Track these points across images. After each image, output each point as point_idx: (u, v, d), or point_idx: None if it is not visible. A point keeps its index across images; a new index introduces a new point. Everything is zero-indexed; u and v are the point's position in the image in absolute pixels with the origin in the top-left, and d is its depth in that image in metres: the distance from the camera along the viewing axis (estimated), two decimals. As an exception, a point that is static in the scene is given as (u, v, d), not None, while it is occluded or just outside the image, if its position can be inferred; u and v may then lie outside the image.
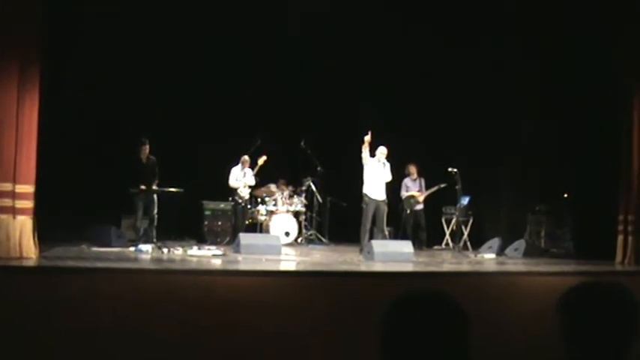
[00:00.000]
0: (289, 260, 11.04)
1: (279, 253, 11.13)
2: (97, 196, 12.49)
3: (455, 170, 13.11)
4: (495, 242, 12.56)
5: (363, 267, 10.22)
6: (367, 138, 11.74)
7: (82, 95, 13.18)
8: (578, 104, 12.46)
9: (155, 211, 11.83)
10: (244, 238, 11.36)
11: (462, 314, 2.08)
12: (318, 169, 14.43)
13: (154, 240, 11.54)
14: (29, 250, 8.86)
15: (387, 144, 12.14)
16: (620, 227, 10.91)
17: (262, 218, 14.03)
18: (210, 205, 13.85)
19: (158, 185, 12.00)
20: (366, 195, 11.98)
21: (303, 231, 14.32)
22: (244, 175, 13.64)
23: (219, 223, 13.76)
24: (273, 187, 14.22)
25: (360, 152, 11.96)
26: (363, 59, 14.34)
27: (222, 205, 13.87)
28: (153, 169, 11.93)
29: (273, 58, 14.36)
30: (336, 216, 14.64)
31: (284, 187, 14.36)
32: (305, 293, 7.92)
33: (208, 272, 8.90)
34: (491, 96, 13.91)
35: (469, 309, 2.12)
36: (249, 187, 13.73)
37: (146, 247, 10.85)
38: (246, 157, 13.59)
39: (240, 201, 13.58)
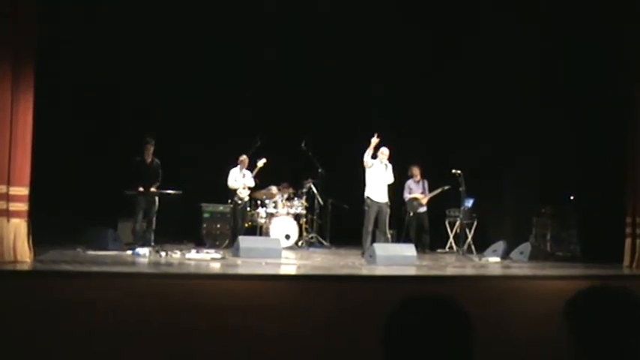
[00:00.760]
0: (289, 264, 10.93)
1: (280, 257, 11.05)
2: (94, 199, 12.38)
3: (459, 172, 13.00)
4: (500, 245, 12.44)
5: (365, 271, 10.13)
6: (374, 140, 11.62)
7: (79, 96, 13.08)
8: (581, 104, 12.36)
9: (155, 213, 11.67)
10: (244, 241, 11.26)
11: (465, 318, 2.07)
12: (319, 170, 14.31)
13: (152, 243, 11.40)
14: (23, 254, 8.80)
15: (389, 145, 11.99)
16: (628, 230, 10.78)
17: (262, 221, 13.90)
18: (208, 208, 13.73)
19: (158, 187, 11.83)
20: (368, 197, 11.87)
21: (304, 234, 14.19)
22: (244, 176, 13.52)
23: (218, 225, 13.65)
24: (274, 189, 14.07)
25: (362, 154, 11.82)
26: (364, 59, 14.29)
27: (221, 208, 13.75)
28: (156, 170, 11.82)
29: (273, 58, 14.26)
30: (338, 218, 14.51)
31: (286, 190, 14.21)
32: (306, 298, 7.80)
33: (207, 276, 8.82)
34: (493, 96, 13.81)
35: (473, 313, 2.10)
36: (249, 188, 13.59)
37: (143, 251, 10.74)
38: (244, 157, 13.47)
39: (239, 202, 13.45)
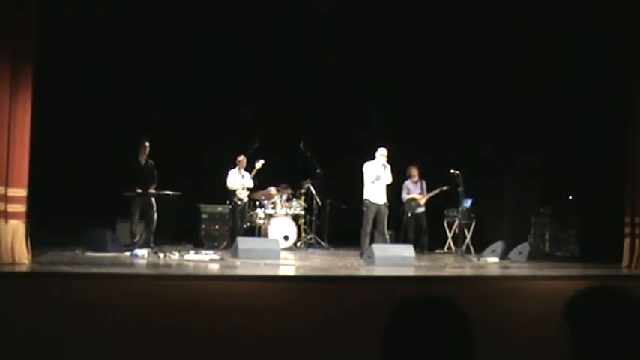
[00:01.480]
0: (288, 265, 10.92)
1: (278, 258, 11.03)
2: (92, 200, 12.35)
3: (457, 172, 12.99)
4: (499, 245, 12.42)
5: (364, 271, 10.12)
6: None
7: (77, 97, 13.06)
8: (580, 104, 12.37)
9: (155, 215, 11.63)
10: (242, 242, 11.24)
11: (464, 319, 2.07)
12: (318, 171, 14.29)
13: (151, 245, 11.37)
14: (22, 255, 8.77)
15: (387, 145, 11.98)
16: (627, 230, 10.77)
17: (261, 222, 13.88)
18: (207, 209, 13.71)
19: (155, 188, 11.80)
20: (366, 199, 11.83)
21: (303, 235, 14.17)
22: (242, 177, 13.51)
23: (217, 226, 13.62)
24: (273, 190, 14.06)
25: (362, 157, 11.86)
26: (363, 60, 14.27)
27: (219, 209, 13.73)
28: (151, 172, 11.76)
29: (273, 58, 14.24)
30: (336, 219, 14.49)
31: (285, 191, 14.18)
32: (304, 298, 7.79)
33: (205, 277, 8.81)
34: (492, 96, 13.81)
35: (472, 313, 2.10)
36: (248, 189, 13.58)
37: (142, 252, 10.72)
38: (242, 157, 13.47)
39: (238, 203, 13.44)
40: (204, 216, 13.68)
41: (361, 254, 11.47)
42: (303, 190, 14.36)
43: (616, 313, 2.21)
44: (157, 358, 6.70)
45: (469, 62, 13.88)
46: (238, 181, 13.51)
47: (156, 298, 7.28)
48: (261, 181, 13.89)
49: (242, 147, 13.60)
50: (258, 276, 9.02)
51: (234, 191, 13.49)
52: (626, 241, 10.78)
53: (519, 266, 11.28)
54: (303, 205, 14.28)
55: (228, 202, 13.63)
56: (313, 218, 14.54)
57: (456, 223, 14.00)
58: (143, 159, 11.77)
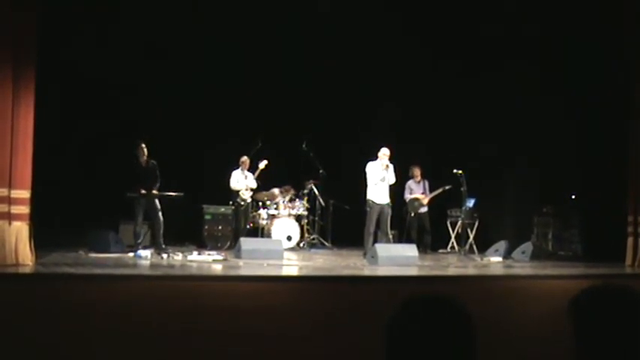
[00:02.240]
0: (291, 265, 10.90)
1: (281, 258, 11.00)
2: (95, 201, 12.35)
3: (460, 172, 12.97)
4: (502, 245, 12.40)
5: (367, 271, 10.10)
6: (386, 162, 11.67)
7: (79, 98, 13.05)
8: (581, 104, 12.36)
9: (160, 215, 11.60)
10: (245, 242, 11.23)
11: (468, 319, 2.07)
12: (321, 171, 14.29)
13: (163, 246, 11.35)
14: (25, 257, 8.76)
15: (389, 145, 11.98)
16: (630, 229, 10.75)
17: (264, 222, 13.88)
18: (210, 209, 13.71)
19: (158, 189, 11.79)
20: (369, 199, 11.83)
21: (306, 235, 14.17)
22: (245, 178, 13.52)
23: (220, 227, 13.63)
24: (276, 190, 14.06)
25: (365, 157, 11.84)
26: (364, 60, 14.28)
27: (222, 209, 13.74)
28: (153, 172, 11.73)
29: (274, 58, 14.25)
30: (339, 219, 14.49)
31: (288, 192, 14.18)
32: (307, 298, 7.78)
33: (209, 278, 8.78)
34: (494, 96, 13.81)
35: (475, 313, 2.09)
36: (251, 190, 13.58)
37: (145, 253, 10.73)
38: (245, 158, 13.48)
39: (241, 204, 13.44)
40: (208, 217, 13.69)
41: (364, 254, 11.46)
42: (306, 191, 14.36)
43: (619, 312, 2.20)
44: (161, 358, 6.71)
45: (470, 63, 13.88)
46: (241, 181, 13.52)
47: (159, 299, 7.27)
48: (265, 182, 13.89)
49: (245, 148, 13.61)
50: (261, 276, 9.01)
51: (237, 192, 13.50)
52: (629, 240, 10.76)
53: (522, 266, 11.26)
54: (306, 205, 14.28)
55: (231, 202, 13.64)
56: (316, 218, 14.54)
57: (459, 223, 14.00)
58: (143, 160, 11.75)
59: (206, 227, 13.61)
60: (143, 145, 11.68)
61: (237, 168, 13.56)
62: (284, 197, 14.08)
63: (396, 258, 10.63)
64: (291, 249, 13.33)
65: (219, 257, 10.78)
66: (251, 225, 13.88)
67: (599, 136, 12.13)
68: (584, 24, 11.92)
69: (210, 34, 13.71)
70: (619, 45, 11.26)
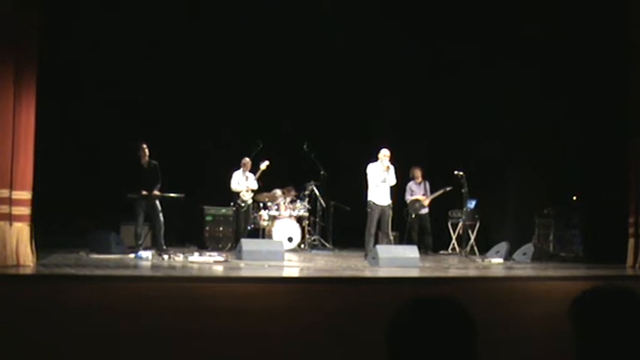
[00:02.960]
0: (292, 266, 10.91)
1: (282, 259, 11.01)
2: (96, 202, 12.35)
3: (461, 173, 12.97)
4: (503, 246, 12.40)
5: (368, 273, 10.09)
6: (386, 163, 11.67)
7: (81, 99, 13.06)
8: (583, 105, 12.34)
9: (161, 217, 11.58)
10: (246, 243, 11.22)
11: (469, 320, 2.08)
12: (322, 172, 14.28)
13: (164, 247, 11.33)
14: (26, 258, 8.75)
15: (390, 147, 11.98)
16: (631, 230, 10.72)
17: (265, 223, 13.88)
18: (211, 211, 13.71)
19: (160, 190, 11.78)
20: (370, 200, 11.82)
21: (307, 236, 14.17)
22: (246, 179, 13.52)
23: (221, 228, 13.64)
24: (277, 191, 14.06)
25: (366, 158, 11.84)
26: (366, 61, 14.28)
27: (223, 211, 13.74)
28: (154, 173, 11.71)
29: (275, 60, 14.25)
30: (340, 220, 14.48)
31: (289, 193, 14.17)
32: (308, 300, 7.77)
33: (210, 279, 8.77)
34: (495, 97, 13.80)
35: (477, 315, 2.11)
36: (252, 191, 13.58)
37: (146, 254, 10.74)
38: (246, 160, 13.49)
39: (242, 205, 13.44)
40: (209, 218, 13.69)
41: (365, 255, 11.45)
42: (307, 192, 14.36)
43: (621, 314, 2.21)
44: (162, 359, 6.70)
45: (471, 64, 13.89)
46: (242, 183, 13.52)
47: (160, 300, 7.26)
48: (266, 183, 13.89)
49: (246, 149, 13.61)
50: (262, 278, 9.01)
51: (238, 193, 13.50)
52: (631, 241, 10.73)
53: (524, 267, 11.25)
54: (307, 206, 14.29)
55: (232, 203, 13.64)
56: (317, 220, 14.53)
57: (460, 224, 13.99)
58: (145, 161, 11.74)
59: (207, 228, 13.61)
60: (144, 146, 11.66)
61: (239, 169, 13.56)
62: (285, 198, 14.07)
63: (397, 259, 10.62)
64: (292, 250, 13.35)
65: (220, 258, 10.78)
66: (252, 226, 13.87)
67: (601, 137, 12.11)
68: (585, 24, 11.90)
69: (212, 35, 13.73)
70: (620, 45, 11.24)
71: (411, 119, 14.47)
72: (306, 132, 14.30)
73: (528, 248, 12.28)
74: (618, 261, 10.80)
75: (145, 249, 11.22)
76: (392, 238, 12.32)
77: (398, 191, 12.80)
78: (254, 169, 13.58)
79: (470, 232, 13.83)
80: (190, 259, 10.69)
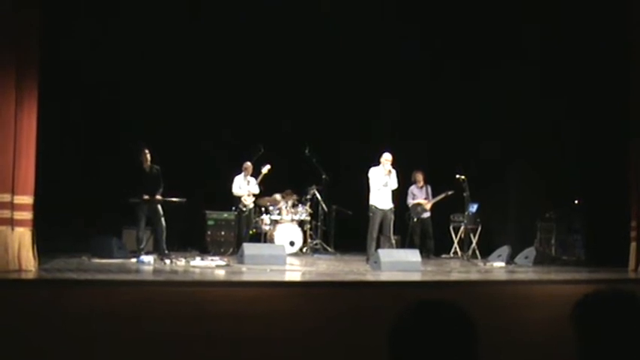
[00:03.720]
0: (294, 270, 10.92)
1: (284, 263, 11.01)
2: (98, 207, 12.34)
3: (462, 177, 12.97)
4: (505, 250, 12.38)
5: (370, 277, 10.09)
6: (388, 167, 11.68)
7: (83, 103, 13.05)
8: (584, 108, 12.34)
9: (163, 221, 11.55)
10: (248, 248, 11.23)
11: (471, 324, 2.07)
12: (323, 177, 14.27)
13: (165, 252, 11.30)
14: (28, 263, 8.77)
15: (391, 148, 11.97)
16: (633, 234, 10.73)
17: (266, 228, 13.87)
18: (213, 215, 13.69)
19: (161, 194, 11.76)
20: (372, 204, 11.82)
21: (308, 240, 14.16)
22: (248, 184, 13.51)
23: (223, 233, 13.61)
24: (278, 196, 14.05)
25: (368, 162, 11.85)
26: (368, 65, 14.25)
27: (225, 215, 13.72)
28: (157, 177, 11.70)
29: (277, 63, 14.23)
30: (342, 225, 14.47)
31: (290, 197, 14.15)
32: (310, 304, 7.78)
33: (212, 283, 8.78)
34: (496, 100, 13.80)
35: (479, 319, 2.10)
36: (253, 195, 13.58)
37: (148, 259, 10.73)
38: (248, 164, 13.48)
39: (244, 209, 13.44)
40: (210, 222, 13.67)
41: (367, 259, 11.45)
42: (308, 196, 14.34)
43: (623, 317, 2.20)
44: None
45: (470, 65, 13.88)
46: (244, 187, 13.51)
47: (162, 305, 7.27)
48: (268, 187, 13.88)
49: (247, 153, 13.61)
50: (264, 282, 9.01)
51: (239, 197, 13.49)
52: (632, 245, 10.74)
53: (525, 271, 11.25)
54: (309, 210, 14.26)
55: (233, 208, 13.63)
56: (319, 224, 14.51)
57: (462, 228, 13.97)
58: (147, 165, 11.73)
59: (209, 233, 13.58)
60: (146, 151, 11.66)
61: (240, 173, 13.56)
62: (287, 202, 14.06)
63: (399, 263, 10.62)
64: (294, 254, 13.31)
65: (222, 263, 10.78)
66: (254, 230, 13.87)
67: (603, 141, 12.10)
68: (585, 25, 11.90)
69: (212, 35, 13.70)
70: (620, 45, 11.23)
71: (411, 119, 14.44)
72: (306, 132, 14.25)
73: (530, 252, 12.28)
74: (620, 264, 10.80)
75: (147, 253, 11.19)
76: (394, 242, 12.33)
77: (400, 195, 12.80)
78: (255, 174, 13.57)
79: (472, 235, 13.81)
80: (192, 263, 10.69)
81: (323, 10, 13.39)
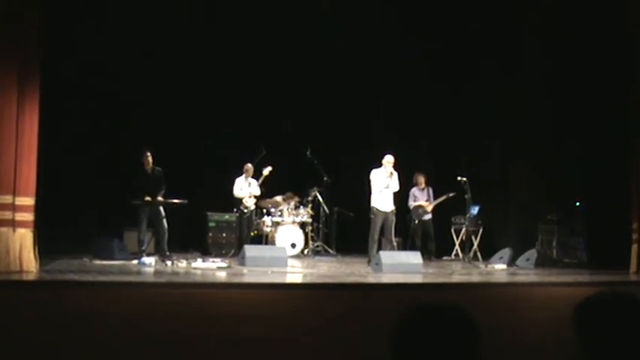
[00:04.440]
0: (296, 272, 10.90)
1: (286, 265, 11.00)
2: (100, 208, 12.35)
3: (464, 179, 12.96)
4: (506, 252, 12.37)
5: (371, 279, 10.09)
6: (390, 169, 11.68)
7: (84, 105, 13.05)
8: (586, 110, 12.32)
9: (164, 223, 11.54)
10: (249, 250, 11.23)
11: (472, 326, 2.08)
12: (325, 178, 14.28)
13: (167, 253, 11.30)
14: (29, 264, 8.77)
15: (391, 148, 11.97)
16: (635, 236, 10.70)
17: (268, 229, 13.87)
18: (214, 217, 13.70)
19: (163, 196, 11.76)
20: (374, 206, 11.81)
21: (310, 242, 14.15)
22: (249, 185, 13.51)
23: (224, 234, 13.62)
24: (280, 197, 14.05)
25: (370, 164, 11.85)
26: (369, 67, 14.27)
27: (226, 217, 13.72)
28: (159, 179, 11.70)
29: (279, 65, 14.24)
30: (344, 227, 14.47)
31: (292, 199, 14.15)
32: (312, 306, 7.77)
33: (213, 285, 8.78)
34: (497, 103, 13.79)
35: (480, 321, 2.10)
36: (255, 197, 13.58)
37: (149, 260, 10.73)
38: (249, 165, 13.48)
39: (245, 211, 13.44)
40: (212, 224, 13.68)
41: (369, 262, 11.44)
42: (310, 198, 14.34)
43: (625, 320, 2.21)
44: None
45: (472, 65, 13.89)
46: (245, 189, 13.51)
47: (163, 306, 7.27)
48: (269, 189, 13.88)
49: (249, 155, 13.61)
50: (265, 284, 9.00)
51: (241, 199, 13.49)
52: (634, 247, 10.71)
53: (527, 273, 11.24)
54: (311, 212, 14.26)
55: (235, 210, 13.63)
56: (320, 226, 14.51)
57: (463, 230, 13.96)
58: (149, 167, 11.73)
59: (210, 234, 13.59)
60: (148, 153, 11.67)
61: (241, 175, 13.56)
62: (288, 204, 14.06)
63: (401, 265, 10.61)
64: (296, 256, 13.32)
65: (224, 264, 10.77)
66: (255, 232, 13.87)
67: (604, 142, 12.08)
68: (586, 25, 11.90)
69: (212, 40, 13.72)
70: (620, 45, 11.22)
71: (411, 119, 14.44)
72: (306, 132, 14.26)
73: (531, 254, 12.26)
74: (622, 267, 10.77)
75: (149, 255, 11.20)
76: (395, 244, 12.32)
77: (401, 197, 12.80)
78: (257, 175, 13.57)
79: (473, 237, 13.80)
80: (193, 265, 10.69)
81: (323, 10, 13.41)
